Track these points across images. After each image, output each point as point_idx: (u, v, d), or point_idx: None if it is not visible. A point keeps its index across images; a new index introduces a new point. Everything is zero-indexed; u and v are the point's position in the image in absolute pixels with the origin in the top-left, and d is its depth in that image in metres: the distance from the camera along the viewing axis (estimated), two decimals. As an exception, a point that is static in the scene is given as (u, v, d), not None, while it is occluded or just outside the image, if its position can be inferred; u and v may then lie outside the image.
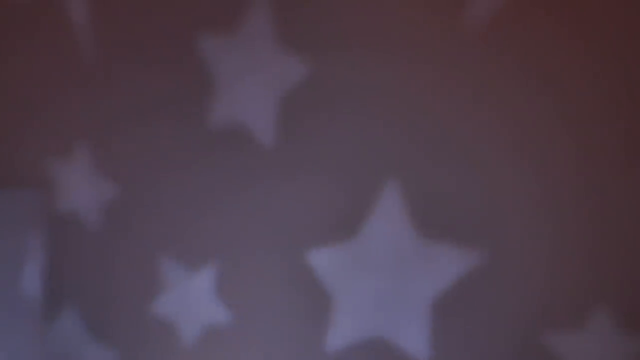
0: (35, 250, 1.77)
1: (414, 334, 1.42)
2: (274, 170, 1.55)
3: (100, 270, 1.76)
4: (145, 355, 1.70)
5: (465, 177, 1.38)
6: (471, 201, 1.37)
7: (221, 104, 1.60)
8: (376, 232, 1.45)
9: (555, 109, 1.31)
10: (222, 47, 1.59)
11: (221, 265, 1.61)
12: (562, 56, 1.31)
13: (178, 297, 1.66)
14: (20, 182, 1.86)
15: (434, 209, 1.40)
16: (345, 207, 1.48)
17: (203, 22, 1.61)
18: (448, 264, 1.39)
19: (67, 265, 1.80)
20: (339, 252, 1.48)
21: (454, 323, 1.39)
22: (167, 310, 1.68)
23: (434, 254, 1.40)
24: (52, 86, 1.81)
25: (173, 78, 1.65)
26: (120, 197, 1.73)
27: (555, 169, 1.32)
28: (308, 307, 1.52)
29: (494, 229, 1.36)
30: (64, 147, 1.80)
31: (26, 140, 1.85)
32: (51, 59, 1.81)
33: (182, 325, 1.66)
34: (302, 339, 1.52)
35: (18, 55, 1.86)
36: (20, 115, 1.86)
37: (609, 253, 1.28)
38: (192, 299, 1.65)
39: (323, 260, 1.50)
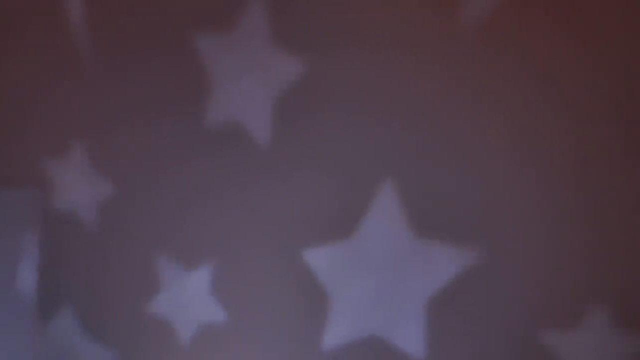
0: (32, 249, 1.77)
1: (410, 333, 1.42)
2: (270, 169, 1.55)
3: (97, 269, 1.76)
4: (142, 354, 1.70)
5: (462, 176, 1.38)
6: (468, 200, 1.37)
7: (217, 104, 1.60)
8: (373, 231, 1.45)
9: (552, 107, 1.31)
10: (219, 46, 1.59)
11: (218, 264, 1.61)
12: (559, 55, 1.31)
13: (175, 296, 1.66)
14: (17, 181, 1.86)
15: (431, 208, 1.40)
16: (341, 206, 1.48)
17: (199, 21, 1.61)
18: (445, 263, 1.39)
19: (63, 264, 1.80)
20: (336, 251, 1.48)
21: (450, 322, 1.39)
22: (164, 309, 1.68)
23: (430, 253, 1.40)
24: (49, 85, 1.81)
25: (169, 77, 1.65)
26: (116, 196, 1.73)
27: (552, 169, 1.32)
28: (305, 306, 1.52)
29: (490, 228, 1.36)
30: (61, 146, 1.79)
31: (23, 139, 1.85)
32: (48, 59, 1.81)
33: (178, 324, 1.66)
34: (298, 338, 1.52)
35: (15, 55, 1.86)
36: (17, 115, 1.86)
37: (606, 252, 1.28)
38: (188, 298, 1.65)
39: (320, 259, 1.50)
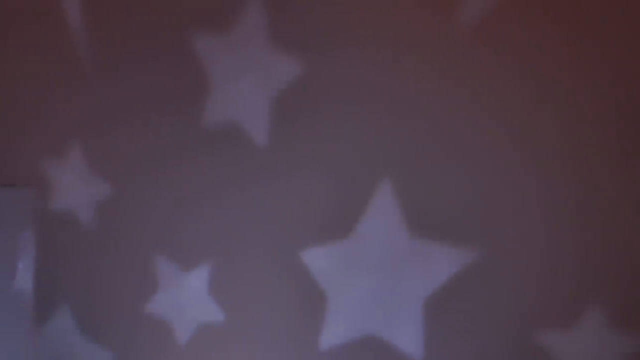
0: (29, 249, 1.76)
1: (407, 332, 1.42)
2: (268, 169, 1.55)
3: (95, 270, 1.76)
4: (139, 354, 1.70)
5: (460, 176, 1.38)
6: (465, 200, 1.37)
7: (215, 104, 1.60)
8: (371, 231, 1.45)
9: (550, 107, 1.32)
10: (217, 47, 1.59)
11: (215, 264, 1.61)
12: (557, 55, 1.31)
13: (172, 296, 1.66)
14: (14, 181, 1.86)
15: (429, 208, 1.40)
16: (339, 206, 1.48)
17: (197, 22, 1.61)
18: (442, 262, 1.39)
19: (61, 264, 1.80)
20: (333, 251, 1.48)
21: (447, 321, 1.39)
22: (162, 310, 1.68)
23: (428, 253, 1.40)
24: (47, 86, 1.81)
25: (168, 78, 1.65)
26: (114, 197, 1.73)
27: (549, 169, 1.32)
28: (302, 306, 1.52)
29: (487, 228, 1.36)
30: (59, 147, 1.79)
31: (21, 140, 1.85)
32: (46, 60, 1.80)
33: (176, 324, 1.66)
34: (296, 338, 1.52)
35: (13, 56, 1.86)
36: (15, 115, 1.86)
37: (603, 253, 1.29)
38: (186, 298, 1.65)
39: (317, 259, 1.50)
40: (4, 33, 1.87)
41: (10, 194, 1.72)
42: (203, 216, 1.62)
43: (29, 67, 1.83)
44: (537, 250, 1.33)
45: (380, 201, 1.44)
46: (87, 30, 1.74)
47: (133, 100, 1.69)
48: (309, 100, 1.50)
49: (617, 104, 1.27)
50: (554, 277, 1.31)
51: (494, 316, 1.36)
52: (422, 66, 1.40)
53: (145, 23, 1.67)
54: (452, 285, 1.38)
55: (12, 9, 1.85)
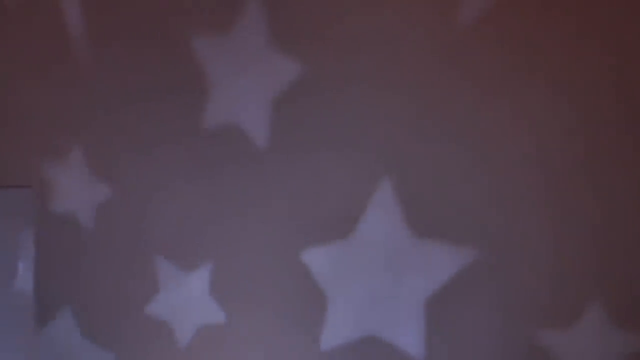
0: (29, 251, 1.77)
1: (408, 332, 1.42)
2: (268, 170, 1.55)
3: (96, 271, 1.76)
4: (140, 355, 1.70)
5: (460, 175, 1.38)
6: (465, 199, 1.37)
7: (215, 105, 1.60)
8: (370, 231, 1.45)
9: (552, 106, 1.32)
10: (216, 47, 1.59)
11: (216, 265, 1.61)
12: (557, 53, 1.31)
13: (173, 297, 1.66)
14: (15, 182, 1.86)
15: (428, 208, 1.40)
16: (339, 206, 1.48)
17: (197, 23, 1.61)
18: (442, 262, 1.39)
19: (61, 266, 1.80)
20: (334, 251, 1.48)
21: (448, 321, 1.39)
22: (162, 311, 1.68)
23: (428, 252, 1.40)
24: (47, 87, 1.81)
25: (167, 79, 1.65)
26: (114, 198, 1.73)
27: (551, 167, 1.32)
28: (303, 306, 1.52)
29: (488, 227, 1.36)
30: (60, 149, 1.79)
31: (21, 141, 1.85)
32: (45, 61, 1.81)
33: (177, 325, 1.66)
34: (296, 338, 1.52)
35: (12, 57, 1.86)
36: (15, 116, 1.86)
37: (603, 252, 1.28)
38: (187, 299, 1.65)
39: (317, 259, 1.50)
40: (4, 33, 1.87)
41: (10, 194, 1.72)
42: (203, 217, 1.62)
43: (29, 68, 1.83)
44: (537, 250, 1.32)
45: (381, 201, 1.44)
46: (88, 32, 1.74)
47: (133, 101, 1.69)
48: (309, 101, 1.50)
49: (618, 103, 1.27)
50: (554, 277, 1.31)
51: (494, 316, 1.35)
52: (422, 66, 1.40)
53: (145, 24, 1.67)
54: (453, 284, 1.38)
55: (12, 9, 1.85)
